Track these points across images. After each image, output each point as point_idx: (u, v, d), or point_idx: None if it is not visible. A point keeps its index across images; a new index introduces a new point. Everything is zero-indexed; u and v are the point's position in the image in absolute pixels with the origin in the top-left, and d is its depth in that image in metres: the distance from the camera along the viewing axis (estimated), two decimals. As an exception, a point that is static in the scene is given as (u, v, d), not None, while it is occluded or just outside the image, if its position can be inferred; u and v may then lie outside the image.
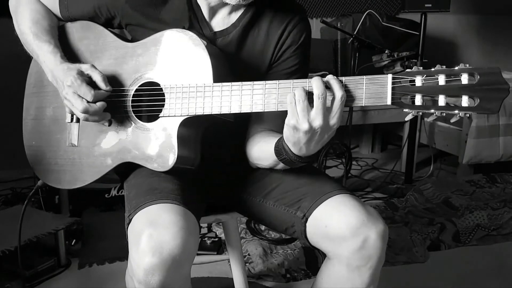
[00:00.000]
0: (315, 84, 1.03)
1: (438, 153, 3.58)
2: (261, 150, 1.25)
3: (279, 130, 1.28)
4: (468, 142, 3.12)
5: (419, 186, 2.97)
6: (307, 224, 1.20)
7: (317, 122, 1.03)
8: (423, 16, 2.93)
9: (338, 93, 1.03)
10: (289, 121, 1.06)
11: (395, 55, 2.90)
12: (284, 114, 1.31)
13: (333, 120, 1.05)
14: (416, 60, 2.91)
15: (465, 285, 2.04)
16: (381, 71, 3.06)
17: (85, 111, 1.19)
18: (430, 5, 2.85)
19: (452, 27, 4.08)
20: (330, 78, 1.04)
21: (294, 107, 1.04)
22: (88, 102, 1.19)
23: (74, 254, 2.19)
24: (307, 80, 1.07)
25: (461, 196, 2.81)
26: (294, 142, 1.09)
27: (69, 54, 1.32)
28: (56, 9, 1.36)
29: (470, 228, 2.43)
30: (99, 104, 1.20)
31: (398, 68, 2.99)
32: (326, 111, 1.04)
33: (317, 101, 1.02)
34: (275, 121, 1.29)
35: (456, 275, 2.11)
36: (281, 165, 1.21)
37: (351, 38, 2.92)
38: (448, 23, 4.01)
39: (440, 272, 2.14)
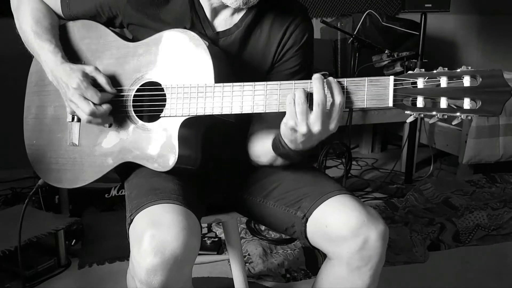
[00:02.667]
0: (315, 89, 1.03)
1: (438, 153, 3.58)
2: (261, 147, 1.27)
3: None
4: (468, 142, 3.12)
5: (419, 186, 2.97)
6: (307, 224, 1.20)
7: (316, 127, 1.04)
8: (423, 16, 2.93)
9: (337, 98, 1.03)
10: (287, 122, 1.06)
11: (395, 55, 2.90)
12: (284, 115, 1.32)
13: (332, 124, 1.06)
14: (416, 60, 2.91)
15: (465, 285, 2.04)
16: (381, 71, 3.06)
17: (92, 114, 1.20)
18: (430, 5, 2.85)
19: (452, 27, 4.08)
20: (331, 81, 1.04)
21: (293, 108, 1.04)
22: (94, 104, 1.20)
23: (74, 254, 2.19)
24: (308, 81, 1.06)
25: (461, 196, 2.81)
26: (291, 140, 1.11)
27: (70, 53, 1.32)
28: (57, 8, 1.36)
29: (470, 228, 2.43)
30: (105, 106, 1.21)
31: (398, 68, 2.99)
32: (326, 116, 1.04)
33: (316, 108, 1.03)
34: (275, 120, 1.28)
35: (456, 275, 2.11)
36: (279, 161, 1.23)
37: (351, 38, 2.92)
38: (448, 23, 4.01)
39: (440, 272, 2.14)
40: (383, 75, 3.01)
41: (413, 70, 2.92)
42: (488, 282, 2.05)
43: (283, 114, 1.29)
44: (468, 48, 4.18)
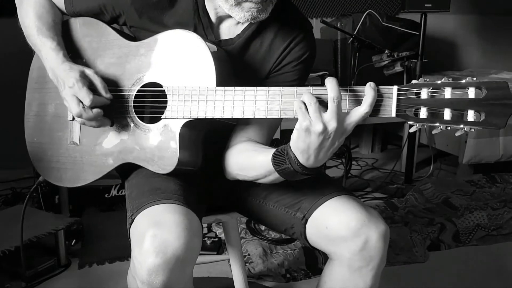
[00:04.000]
0: (330, 86, 0.99)
1: (438, 153, 3.58)
2: (248, 160, 1.20)
3: (263, 141, 1.27)
4: (468, 142, 3.12)
5: (419, 186, 2.97)
6: (307, 225, 1.20)
7: (332, 124, 0.99)
8: (423, 16, 2.93)
9: (367, 108, 1.00)
10: (300, 124, 1.00)
11: (395, 55, 2.89)
12: (270, 126, 1.29)
13: (350, 126, 1.02)
14: (416, 60, 2.91)
15: (465, 285, 2.04)
16: (381, 71, 3.06)
17: (79, 115, 1.19)
18: (430, 5, 2.85)
19: (452, 27, 4.07)
20: (368, 91, 0.99)
21: (305, 111, 1.00)
22: (84, 106, 1.18)
23: (74, 254, 2.19)
24: (311, 88, 1.04)
25: (461, 196, 2.81)
26: (303, 149, 1.02)
27: (72, 50, 1.31)
28: (61, 4, 1.35)
29: (470, 228, 2.43)
30: (94, 111, 1.19)
31: (398, 68, 2.99)
32: (342, 114, 1.00)
33: (332, 104, 0.98)
34: (259, 132, 1.27)
35: (456, 275, 2.11)
36: (269, 178, 1.15)
37: (351, 38, 2.91)
38: (448, 23, 4.00)
39: (440, 272, 2.14)
40: (383, 75, 3.04)
41: (413, 70, 2.89)
42: (488, 282, 2.05)
43: (267, 126, 1.28)
44: (468, 48, 4.18)
